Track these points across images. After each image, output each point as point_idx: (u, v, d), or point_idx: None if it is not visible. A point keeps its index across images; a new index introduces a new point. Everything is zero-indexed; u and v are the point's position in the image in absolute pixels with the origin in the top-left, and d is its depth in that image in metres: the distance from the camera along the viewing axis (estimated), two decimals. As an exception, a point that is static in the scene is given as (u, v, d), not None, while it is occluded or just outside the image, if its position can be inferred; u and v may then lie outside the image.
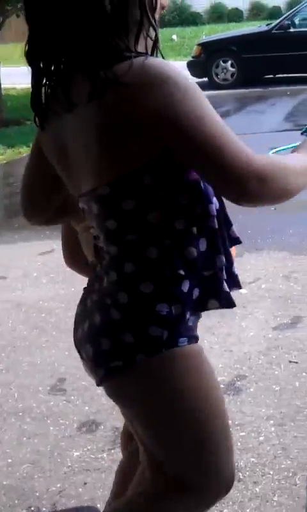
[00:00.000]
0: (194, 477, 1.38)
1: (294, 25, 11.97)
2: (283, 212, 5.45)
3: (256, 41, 12.20)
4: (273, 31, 11.99)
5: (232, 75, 12.30)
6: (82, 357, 1.40)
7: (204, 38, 14.94)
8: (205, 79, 12.63)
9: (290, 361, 2.99)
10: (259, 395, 2.75)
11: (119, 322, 1.29)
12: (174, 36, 21.01)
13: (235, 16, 26.52)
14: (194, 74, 12.88)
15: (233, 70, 12.27)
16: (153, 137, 1.19)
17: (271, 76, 12.21)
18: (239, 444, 2.43)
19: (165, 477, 1.40)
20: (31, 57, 1.28)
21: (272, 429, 2.51)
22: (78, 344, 1.40)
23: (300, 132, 6.19)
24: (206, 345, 3.14)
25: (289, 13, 12.65)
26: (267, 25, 13.12)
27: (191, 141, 1.18)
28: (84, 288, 1.45)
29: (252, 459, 2.34)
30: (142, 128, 1.18)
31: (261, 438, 2.46)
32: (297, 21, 12.08)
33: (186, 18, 26.69)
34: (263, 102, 10.20)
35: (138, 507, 1.45)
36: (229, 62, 12.29)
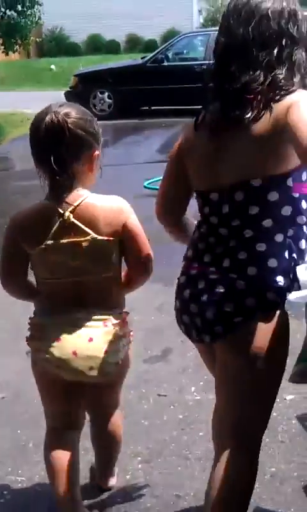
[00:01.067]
0: (261, 435, 1.91)
1: (168, 59, 12.36)
2: (157, 243, 5.56)
3: (131, 74, 12.48)
4: (147, 64, 12.32)
5: (109, 106, 12.48)
6: (191, 326, 1.83)
7: (81, 69, 15.10)
8: (83, 110, 12.74)
9: (159, 395, 3.02)
10: (128, 432, 2.72)
11: (245, 291, 1.71)
12: (52, 66, 21.11)
13: (112, 48, 27.05)
14: (72, 105, 12.96)
15: (110, 101, 12.46)
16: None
17: (147, 108, 12.50)
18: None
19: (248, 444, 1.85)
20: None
21: (139, 466, 2.50)
22: (190, 317, 1.82)
23: None
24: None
25: (162, 47, 13.06)
26: (142, 58, 13.48)
27: None
28: (185, 277, 1.88)
29: (118, 499, 2.31)
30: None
31: (128, 477, 2.44)
32: (170, 55, 12.48)
33: (64, 49, 26.92)
34: (139, 134, 10.40)
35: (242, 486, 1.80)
36: (106, 93, 12.47)
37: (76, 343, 1.95)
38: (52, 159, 1.90)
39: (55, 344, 1.95)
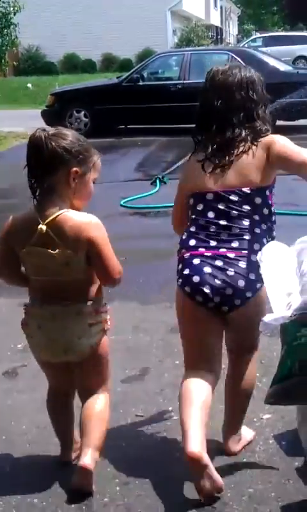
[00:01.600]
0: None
1: (143, 79, 12.46)
2: (134, 262, 5.56)
3: (107, 92, 12.55)
4: (123, 84, 12.40)
5: (85, 125, 12.52)
6: (214, 295, 2.38)
7: (57, 88, 15.17)
8: (59, 128, 12.76)
9: (137, 415, 3.00)
10: (106, 454, 2.71)
11: (256, 262, 2.31)
12: (29, 85, 21.17)
13: (88, 67, 27.25)
14: (48, 123, 12.92)
15: (86, 120, 12.50)
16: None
17: (123, 126, 12.56)
18: (84, 507, 2.38)
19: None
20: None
21: (117, 488, 2.48)
22: (216, 289, 2.37)
23: (150, 182, 6.51)
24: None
25: (137, 67, 13.17)
26: (117, 77, 13.57)
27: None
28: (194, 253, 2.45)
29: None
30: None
31: (106, 500, 2.42)
32: (145, 74, 12.59)
33: (41, 67, 27.03)
34: (116, 152, 10.43)
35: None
36: (83, 112, 12.52)
37: (54, 329, 2.35)
38: (28, 169, 2.31)
39: (37, 329, 2.38)
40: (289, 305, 1.81)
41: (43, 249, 2.27)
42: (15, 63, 21.30)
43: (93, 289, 2.39)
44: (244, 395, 2.60)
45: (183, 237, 2.53)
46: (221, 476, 2.39)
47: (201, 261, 2.41)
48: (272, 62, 12.27)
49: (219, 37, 38.72)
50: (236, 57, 12.07)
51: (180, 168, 8.45)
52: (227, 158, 2.47)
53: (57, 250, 2.26)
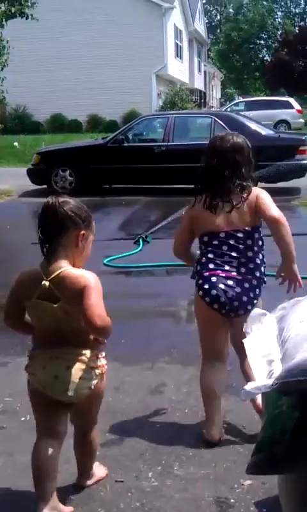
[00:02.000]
0: None
1: (128, 140, 12.71)
2: (116, 322, 5.55)
3: (93, 153, 12.77)
4: (108, 145, 12.64)
5: (70, 183, 12.68)
6: (227, 305, 3.24)
7: (43, 148, 15.39)
8: (45, 187, 12.91)
9: (116, 481, 2.95)
10: (84, 521, 2.66)
11: (256, 285, 3.29)
12: (16, 143, 21.45)
13: (74, 127, 27.78)
14: (33, 181, 13.13)
15: (71, 179, 12.67)
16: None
17: (107, 186, 12.74)
18: None
19: None
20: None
21: None
22: (229, 300, 3.23)
23: (133, 241, 6.61)
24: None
25: (123, 128, 13.44)
26: (103, 138, 13.84)
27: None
28: (215, 274, 3.28)
29: None
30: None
31: None
32: (130, 136, 12.85)
33: (27, 127, 27.51)
34: (100, 211, 10.53)
35: None
36: (68, 171, 12.69)
37: (57, 370, 2.56)
38: (41, 230, 2.59)
39: (42, 370, 2.60)
40: (270, 373, 1.82)
41: (46, 303, 2.53)
42: (1, 125, 21.64)
43: (92, 337, 2.61)
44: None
45: (203, 261, 3.34)
46: None
47: (217, 279, 3.25)
48: (254, 126, 12.60)
49: (202, 100, 39.81)
50: (219, 121, 12.41)
51: (175, 220, 8.56)
52: (230, 206, 3.30)
53: (58, 303, 2.51)
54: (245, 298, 3.25)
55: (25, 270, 2.65)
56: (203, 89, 42.25)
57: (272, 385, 1.71)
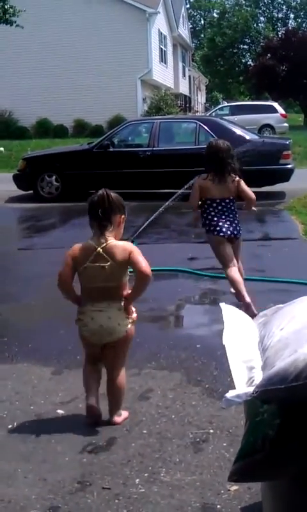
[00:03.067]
0: None
1: (113, 145, 12.73)
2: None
3: (78, 158, 12.79)
4: (94, 150, 12.65)
5: (57, 189, 12.68)
6: (231, 232, 5.66)
7: (29, 153, 15.39)
8: (31, 192, 12.90)
9: (103, 488, 2.95)
10: (71, 528, 2.66)
11: (239, 224, 5.76)
12: (1, 149, 21.43)
13: (60, 132, 27.75)
14: (19, 187, 13.12)
15: (57, 184, 12.67)
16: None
17: (93, 191, 12.70)
18: None
19: None
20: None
21: None
22: (233, 230, 5.66)
23: (128, 240, 6.47)
24: (19, 475, 3.04)
25: (108, 134, 13.45)
26: (88, 143, 13.85)
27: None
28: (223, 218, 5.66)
29: None
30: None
31: None
32: (115, 141, 12.87)
33: (13, 132, 27.45)
34: (86, 216, 10.49)
35: None
36: (54, 177, 12.69)
37: (101, 320, 3.45)
38: (92, 214, 3.49)
39: (90, 321, 3.47)
40: (251, 380, 1.84)
41: (98, 265, 3.38)
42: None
43: (125, 293, 3.50)
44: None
45: (210, 217, 5.65)
46: None
47: (224, 223, 5.60)
48: (238, 131, 12.67)
49: (187, 105, 39.93)
50: (203, 126, 12.47)
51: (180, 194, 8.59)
52: (224, 182, 5.60)
53: (107, 265, 3.37)
54: (239, 231, 5.69)
55: (75, 245, 3.50)
56: (188, 94, 42.38)
57: (253, 393, 1.73)
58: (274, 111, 28.27)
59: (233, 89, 59.46)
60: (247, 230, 9.44)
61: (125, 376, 3.67)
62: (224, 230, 5.58)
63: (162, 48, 32.62)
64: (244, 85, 55.82)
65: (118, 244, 3.43)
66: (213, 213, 5.62)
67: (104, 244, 3.39)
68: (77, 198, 11.55)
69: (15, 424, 3.62)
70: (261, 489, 2.11)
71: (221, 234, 5.58)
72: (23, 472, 3.11)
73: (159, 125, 12.82)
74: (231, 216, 5.62)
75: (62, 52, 28.04)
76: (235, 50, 57.67)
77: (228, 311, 2.40)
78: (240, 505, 2.79)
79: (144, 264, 3.42)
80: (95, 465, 3.16)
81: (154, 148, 12.47)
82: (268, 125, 27.46)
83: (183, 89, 40.25)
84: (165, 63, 33.64)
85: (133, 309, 3.57)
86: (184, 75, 41.50)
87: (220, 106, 32.06)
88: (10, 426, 3.59)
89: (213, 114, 26.51)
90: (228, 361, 2.19)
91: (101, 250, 3.37)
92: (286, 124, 28.34)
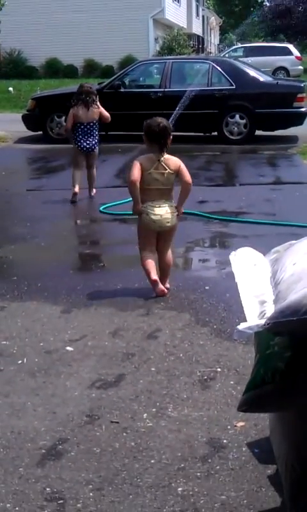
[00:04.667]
0: None
1: (124, 86, 12.48)
2: (111, 268, 5.57)
3: (88, 98, 12.52)
4: (104, 90, 12.38)
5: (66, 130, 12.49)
6: None
7: (38, 93, 15.10)
8: (40, 133, 12.73)
9: (112, 421, 3.01)
10: (80, 459, 2.72)
11: None
12: (10, 89, 21.06)
13: (70, 72, 27.18)
14: (29, 127, 12.94)
15: (66, 125, 12.47)
16: None
17: (103, 133, 12.54)
18: (57, 513, 2.38)
19: None
20: None
21: (91, 494, 2.48)
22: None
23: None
24: (29, 408, 3.10)
25: (119, 74, 13.15)
26: (99, 84, 13.56)
27: None
28: None
29: (69, 529, 2.29)
30: None
31: (78, 505, 2.43)
32: (126, 82, 12.60)
33: (22, 72, 26.92)
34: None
35: None
36: (63, 117, 12.47)
37: (161, 212, 4.57)
38: (154, 138, 4.52)
39: (152, 212, 4.57)
40: (262, 313, 1.83)
41: (159, 171, 4.53)
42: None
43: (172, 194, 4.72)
44: None
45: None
46: (194, 483, 2.39)
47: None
48: (252, 72, 12.37)
49: (200, 46, 38.97)
50: (216, 67, 12.17)
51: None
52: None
53: (165, 172, 4.53)
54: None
55: (141, 157, 4.64)
56: (201, 35, 41.31)
57: (264, 325, 1.73)
58: (289, 53, 27.52)
59: (248, 31, 57.83)
60: (259, 174, 9.36)
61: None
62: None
63: (175, -14, 31.61)
64: (258, 26, 54.25)
65: (172, 158, 4.62)
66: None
67: (164, 157, 4.56)
68: (86, 139, 11.41)
69: (25, 359, 3.67)
70: (269, 423, 2.14)
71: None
72: (33, 406, 3.17)
73: (171, 66, 12.52)
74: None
75: (72, -11, 27.21)
76: (250, -11, 55.79)
77: (239, 251, 2.38)
78: (246, 441, 2.84)
79: (188, 174, 4.63)
80: (104, 400, 3.21)
81: (166, 89, 12.22)
82: (283, 68, 26.80)
83: (197, 29, 39.20)
84: (178, 2, 32.63)
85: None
86: (197, 14, 40.33)
87: (234, 47, 31.23)
88: (20, 362, 3.64)
89: (227, 55, 25.85)
90: (240, 296, 2.18)
91: (161, 160, 4.53)
92: (300, 67, 27.63)
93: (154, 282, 4.59)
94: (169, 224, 4.61)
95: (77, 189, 7.59)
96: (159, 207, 4.58)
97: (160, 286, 4.59)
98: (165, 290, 4.62)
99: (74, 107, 7.72)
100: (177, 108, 11.37)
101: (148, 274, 4.61)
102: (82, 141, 7.79)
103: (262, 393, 1.76)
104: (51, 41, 27.12)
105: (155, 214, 4.57)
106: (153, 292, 4.58)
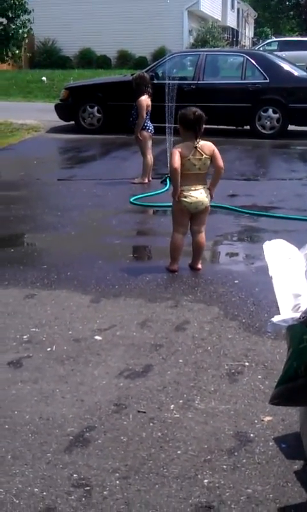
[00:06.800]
0: None
1: (157, 77, 12.44)
2: (140, 259, 5.59)
3: (121, 89, 12.52)
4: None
5: (98, 120, 12.51)
6: None
7: (72, 83, 15.14)
8: (72, 123, 12.77)
9: (139, 411, 3.02)
10: (107, 447, 2.74)
11: None
12: (44, 78, 21.13)
13: (103, 63, 27.17)
14: (61, 117, 12.98)
15: (99, 115, 12.50)
16: None
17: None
18: (83, 499, 2.41)
19: None
20: None
21: (117, 482, 2.50)
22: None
23: (160, 180, 6.66)
24: (58, 395, 3.13)
25: (152, 65, 13.13)
26: (131, 75, 13.53)
27: None
28: None
29: (96, 515, 2.31)
30: None
31: (105, 493, 2.45)
32: (159, 73, 12.57)
33: (56, 61, 26.99)
34: (127, 149, 10.44)
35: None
36: (96, 108, 12.51)
37: (197, 194, 4.86)
38: (197, 128, 4.80)
39: (189, 195, 4.85)
40: (297, 307, 1.82)
41: (196, 157, 4.79)
42: (28, 54, 21.18)
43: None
44: None
45: None
46: (220, 475, 2.39)
47: None
48: (287, 67, 12.25)
49: (234, 39, 38.65)
50: (251, 60, 12.08)
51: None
52: None
53: (202, 157, 4.80)
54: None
55: (179, 145, 4.91)
56: (235, 28, 40.95)
57: (300, 318, 1.72)
58: (324, 48, 27.18)
59: (283, 25, 57.20)
60: (291, 169, 9.28)
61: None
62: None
63: (211, -22, 31.36)
64: (294, 20, 53.62)
65: (206, 144, 4.90)
66: None
67: (200, 143, 4.83)
68: (118, 130, 11.44)
69: (54, 347, 3.70)
70: (299, 417, 2.13)
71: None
72: (61, 393, 3.20)
73: (205, 58, 12.45)
74: None
75: (108, -20, 27.15)
76: (287, -17, 55.13)
77: (272, 245, 2.37)
78: (273, 435, 2.83)
79: (221, 159, 4.93)
80: (131, 390, 3.22)
81: (199, 81, 12.16)
82: (318, 63, 26.48)
83: (231, 22, 38.88)
84: (213, -6, 32.41)
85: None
86: (232, 7, 39.97)
87: (268, 41, 30.92)
88: (49, 349, 3.67)
89: (261, 49, 25.62)
90: (269, 291, 2.17)
91: (198, 147, 4.80)
92: (336, 62, 27.30)
93: (173, 271, 4.98)
94: (203, 206, 4.92)
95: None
96: (195, 189, 4.86)
97: (174, 267, 4.99)
98: (176, 270, 4.99)
99: (143, 96, 8.35)
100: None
101: (172, 256, 5.00)
102: (149, 125, 8.43)
103: (295, 386, 1.76)
104: (85, 32, 27.10)
105: (191, 197, 4.84)
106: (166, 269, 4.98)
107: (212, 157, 4.85)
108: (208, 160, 4.86)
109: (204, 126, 4.87)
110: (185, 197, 4.86)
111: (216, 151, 4.88)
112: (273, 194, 7.62)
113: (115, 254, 5.47)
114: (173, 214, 5.09)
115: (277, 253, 2.27)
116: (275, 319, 1.78)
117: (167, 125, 8.97)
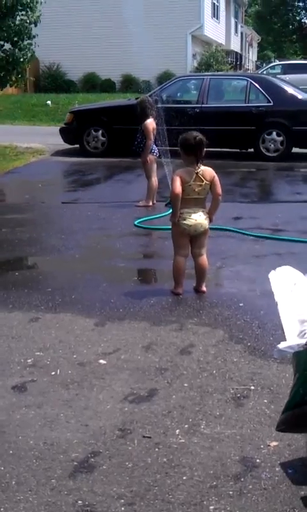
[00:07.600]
0: None
1: (161, 101, 12.55)
2: (145, 282, 5.58)
3: (125, 113, 12.63)
4: (142, 105, 12.46)
5: (102, 144, 12.61)
6: None
7: (76, 107, 15.29)
8: (77, 146, 12.86)
9: (144, 436, 3.00)
10: (112, 473, 2.72)
11: None
12: (48, 102, 21.35)
13: (107, 86, 27.44)
14: (66, 140, 13.09)
15: (103, 139, 12.60)
16: None
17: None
18: (88, 526, 2.38)
19: None
20: None
21: (122, 508, 2.48)
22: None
23: (164, 203, 6.70)
24: (62, 420, 3.11)
25: (156, 89, 13.26)
26: (136, 98, 13.67)
27: None
28: None
29: None
30: None
31: (110, 519, 2.42)
32: (164, 97, 12.68)
33: (60, 85, 27.28)
34: (131, 172, 10.50)
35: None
36: (100, 131, 12.61)
37: (196, 217, 4.88)
38: (198, 152, 4.80)
39: (189, 218, 4.88)
40: (302, 333, 1.82)
41: (197, 183, 4.82)
42: (32, 78, 21.39)
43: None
44: None
45: None
46: (226, 501, 2.37)
47: None
48: (290, 90, 12.36)
49: (238, 63, 39.01)
50: (254, 84, 12.19)
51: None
52: None
53: (203, 183, 4.83)
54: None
55: (179, 170, 4.89)
56: (239, 51, 41.36)
57: (305, 345, 1.71)
58: (327, 71, 27.39)
59: (286, 48, 57.80)
60: (295, 192, 9.31)
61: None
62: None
63: (214, 3, 31.73)
64: (297, 44, 54.20)
65: (207, 169, 4.93)
66: None
67: (200, 170, 4.86)
68: (122, 153, 11.51)
69: (59, 370, 3.69)
70: (305, 443, 2.11)
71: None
72: (66, 417, 3.18)
73: (209, 82, 12.58)
74: None
75: (112, 5, 27.50)
76: (289, 8, 55.82)
77: (279, 270, 2.37)
78: (280, 461, 2.80)
79: (219, 186, 4.97)
80: (136, 414, 3.20)
81: (203, 105, 12.27)
82: (321, 86, 26.68)
83: (235, 46, 39.29)
84: (217, 19, 32.79)
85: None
86: (236, 31, 40.45)
87: (272, 64, 31.25)
88: (53, 373, 3.66)
89: (265, 72, 25.86)
90: (274, 314, 2.17)
91: (199, 173, 4.84)
92: None
93: (176, 291, 5.03)
94: (202, 229, 4.96)
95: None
96: (194, 213, 4.90)
97: (178, 291, 5.01)
98: (181, 293, 5.00)
99: (149, 120, 8.44)
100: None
101: (175, 279, 5.04)
102: (154, 148, 8.54)
103: (301, 413, 1.75)
104: (89, 56, 27.42)
105: (190, 219, 4.89)
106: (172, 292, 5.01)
107: (212, 184, 4.87)
108: (208, 186, 4.88)
109: (205, 149, 4.86)
110: (185, 219, 4.88)
111: (216, 178, 4.91)
112: (277, 216, 7.64)
113: (119, 277, 5.48)
114: (173, 237, 5.10)
115: (282, 279, 2.27)
116: (282, 345, 1.77)
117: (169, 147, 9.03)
